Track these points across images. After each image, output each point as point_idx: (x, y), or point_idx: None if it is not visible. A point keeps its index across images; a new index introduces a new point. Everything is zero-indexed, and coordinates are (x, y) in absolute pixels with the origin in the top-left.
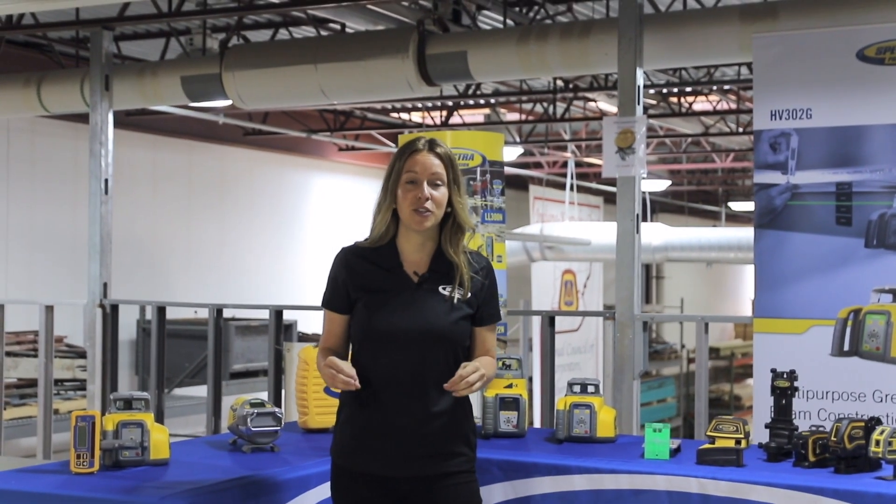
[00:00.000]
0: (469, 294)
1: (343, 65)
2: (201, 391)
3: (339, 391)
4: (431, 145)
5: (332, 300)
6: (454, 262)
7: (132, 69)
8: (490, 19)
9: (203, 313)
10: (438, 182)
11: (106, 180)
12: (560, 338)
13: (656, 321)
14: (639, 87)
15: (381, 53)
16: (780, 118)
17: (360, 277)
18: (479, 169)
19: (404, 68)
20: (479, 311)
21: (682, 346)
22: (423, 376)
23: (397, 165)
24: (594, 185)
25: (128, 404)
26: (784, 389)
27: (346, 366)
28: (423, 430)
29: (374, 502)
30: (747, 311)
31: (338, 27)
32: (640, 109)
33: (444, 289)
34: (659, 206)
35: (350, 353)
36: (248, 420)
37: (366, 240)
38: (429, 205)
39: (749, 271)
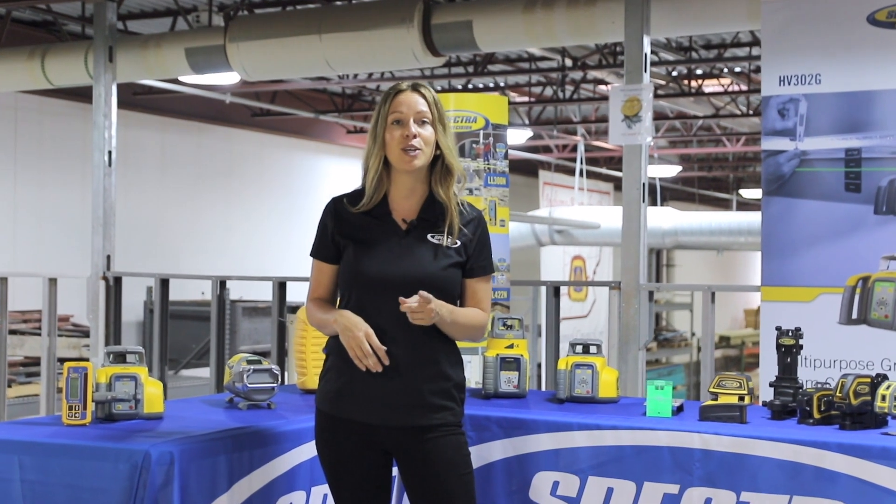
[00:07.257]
0: (458, 242)
1: (348, 35)
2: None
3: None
4: (415, 86)
5: (320, 249)
6: (444, 207)
7: (136, 41)
8: None
9: (210, 295)
10: (425, 120)
11: (109, 152)
12: (569, 324)
13: (662, 290)
14: (646, 54)
15: (385, 23)
16: (789, 84)
17: (348, 225)
18: (482, 132)
19: (409, 38)
20: (469, 261)
21: (693, 335)
22: (408, 325)
23: (383, 109)
24: (604, 171)
25: (122, 357)
26: (789, 347)
27: (375, 340)
28: (408, 378)
29: (358, 452)
30: (757, 298)
31: (345, 2)
32: (646, 77)
33: (432, 237)
34: (669, 194)
35: (337, 302)
36: (245, 377)
37: (357, 190)
38: (416, 142)
39: (759, 258)
